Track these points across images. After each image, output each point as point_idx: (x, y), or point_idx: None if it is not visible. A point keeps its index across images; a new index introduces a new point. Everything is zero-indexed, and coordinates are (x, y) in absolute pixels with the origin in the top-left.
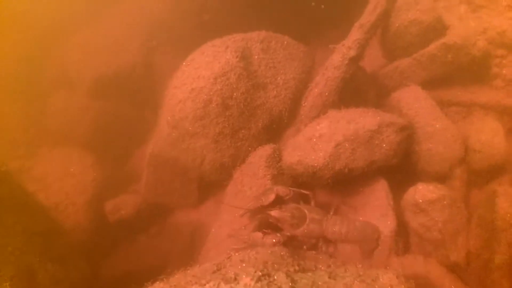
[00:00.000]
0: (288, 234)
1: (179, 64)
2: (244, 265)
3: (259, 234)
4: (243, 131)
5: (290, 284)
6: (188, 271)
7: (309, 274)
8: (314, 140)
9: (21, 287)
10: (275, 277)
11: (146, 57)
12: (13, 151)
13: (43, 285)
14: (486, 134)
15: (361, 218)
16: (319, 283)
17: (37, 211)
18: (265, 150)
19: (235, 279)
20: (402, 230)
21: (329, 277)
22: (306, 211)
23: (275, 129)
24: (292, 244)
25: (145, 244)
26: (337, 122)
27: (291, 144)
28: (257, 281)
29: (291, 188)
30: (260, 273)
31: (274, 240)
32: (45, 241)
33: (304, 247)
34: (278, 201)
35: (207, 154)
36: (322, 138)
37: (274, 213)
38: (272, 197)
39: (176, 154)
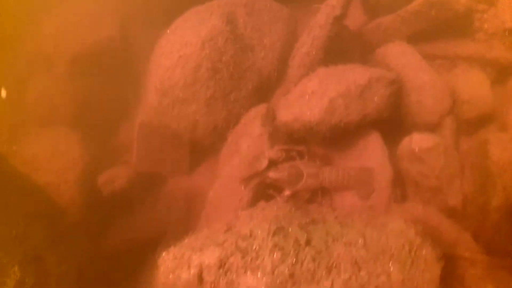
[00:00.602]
0: (289, 193)
1: (158, 34)
2: (255, 221)
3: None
4: (234, 93)
5: (306, 235)
6: (200, 234)
7: (320, 225)
8: (307, 97)
9: (29, 270)
10: (290, 230)
11: (122, 30)
12: None
13: (50, 266)
14: (473, 85)
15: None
16: (333, 232)
17: (34, 192)
18: (259, 110)
19: (251, 235)
20: (398, 179)
21: (341, 227)
22: (302, 167)
23: (265, 90)
24: (292, 199)
25: (142, 214)
26: (327, 79)
27: (284, 103)
28: (273, 235)
29: (282, 148)
30: (275, 227)
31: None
32: (46, 223)
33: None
34: (272, 164)
35: (200, 118)
36: (315, 95)
37: (271, 174)
38: (265, 162)
39: (166, 122)
